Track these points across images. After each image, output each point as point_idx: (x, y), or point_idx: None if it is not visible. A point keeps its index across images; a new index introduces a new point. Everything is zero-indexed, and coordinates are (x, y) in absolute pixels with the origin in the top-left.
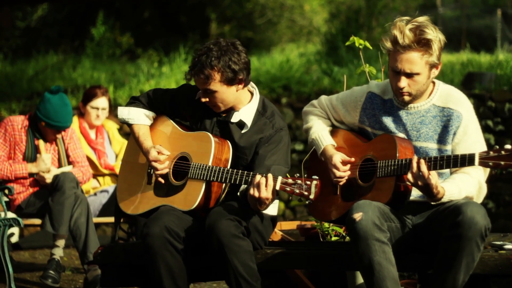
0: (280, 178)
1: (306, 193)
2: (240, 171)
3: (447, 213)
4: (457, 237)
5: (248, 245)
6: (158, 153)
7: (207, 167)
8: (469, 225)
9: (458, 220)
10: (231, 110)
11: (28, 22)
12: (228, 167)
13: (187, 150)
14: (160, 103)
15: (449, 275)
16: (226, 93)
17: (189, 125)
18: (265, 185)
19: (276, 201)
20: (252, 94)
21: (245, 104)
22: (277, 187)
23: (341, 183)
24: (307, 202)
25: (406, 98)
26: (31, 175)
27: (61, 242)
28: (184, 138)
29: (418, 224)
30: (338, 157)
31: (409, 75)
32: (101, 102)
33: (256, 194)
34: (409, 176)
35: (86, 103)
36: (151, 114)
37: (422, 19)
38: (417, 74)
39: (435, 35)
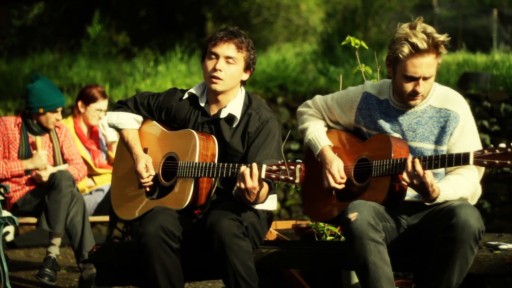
0: (264, 166)
1: (291, 178)
2: (226, 164)
3: (441, 215)
4: (451, 240)
5: (248, 245)
6: (146, 166)
7: (194, 164)
8: (463, 228)
9: (452, 222)
10: (219, 108)
11: (24, 21)
12: (215, 162)
13: (174, 150)
14: (147, 107)
15: (443, 277)
16: (238, 73)
17: (176, 127)
18: (250, 175)
19: (274, 196)
20: (238, 90)
21: (233, 98)
22: (263, 175)
23: (333, 192)
24: (293, 186)
25: (419, 101)
26: (27, 172)
27: (57, 241)
28: (169, 138)
29: (413, 225)
30: (336, 166)
31: (426, 79)
32: (105, 104)
33: (243, 186)
34: (404, 175)
35: (88, 103)
36: (139, 118)
37: (421, 22)
38: (432, 76)
39: (443, 36)
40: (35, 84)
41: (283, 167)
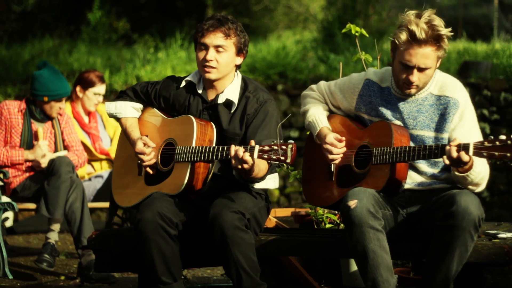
0: (257, 147)
1: (282, 157)
2: (220, 146)
3: (441, 203)
4: (451, 227)
5: (250, 237)
6: (144, 144)
7: (191, 149)
8: (463, 216)
9: (452, 210)
10: (216, 94)
11: (24, 6)
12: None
13: (172, 136)
14: (146, 95)
15: (442, 264)
16: (230, 59)
17: (176, 114)
18: (243, 156)
19: (275, 174)
20: (234, 75)
21: (229, 83)
22: (255, 156)
23: (336, 161)
24: (285, 167)
25: (413, 90)
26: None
27: (56, 226)
28: (169, 124)
29: (412, 212)
30: (332, 136)
31: (422, 70)
32: (103, 88)
33: (239, 166)
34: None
35: (86, 88)
36: (138, 106)
37: (430, 12)
38: (429, 68)
39: (446, 30)
40: (42, 72)
41: (275, 147)
